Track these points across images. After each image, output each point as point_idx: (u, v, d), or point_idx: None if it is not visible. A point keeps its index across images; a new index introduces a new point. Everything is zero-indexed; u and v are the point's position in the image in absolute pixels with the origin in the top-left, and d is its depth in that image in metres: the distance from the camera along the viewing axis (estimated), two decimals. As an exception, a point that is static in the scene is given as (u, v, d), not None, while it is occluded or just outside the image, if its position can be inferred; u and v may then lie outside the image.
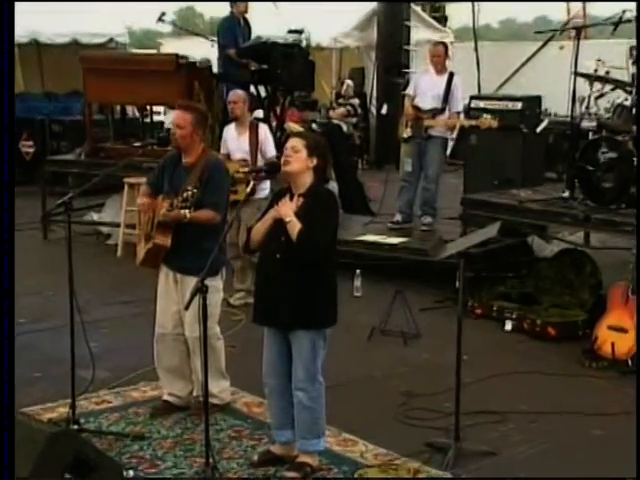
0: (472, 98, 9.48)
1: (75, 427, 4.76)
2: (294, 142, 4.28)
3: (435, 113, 8.57)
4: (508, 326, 6.84)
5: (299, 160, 4.23)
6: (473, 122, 8.86)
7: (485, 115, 9.08)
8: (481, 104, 9.23)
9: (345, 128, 14.13)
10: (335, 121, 14.23)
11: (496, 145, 8.93)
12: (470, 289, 7.12)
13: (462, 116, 8.93)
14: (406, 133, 8.75)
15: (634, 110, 6.97)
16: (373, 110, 15.10)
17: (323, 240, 4.17)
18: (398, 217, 8.92)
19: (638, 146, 6.74)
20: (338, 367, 5.73)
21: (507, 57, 15.28)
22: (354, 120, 14.73)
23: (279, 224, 4.22)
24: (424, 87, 8.68)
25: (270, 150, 7.13)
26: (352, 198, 10.15)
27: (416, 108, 8.66)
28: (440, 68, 8.68)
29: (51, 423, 4.92)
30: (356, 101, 14.91)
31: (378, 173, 10.65)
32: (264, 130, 7.26)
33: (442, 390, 5.28)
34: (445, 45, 8.97)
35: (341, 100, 15.03)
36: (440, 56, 8.70)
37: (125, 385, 5.60)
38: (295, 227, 4.14)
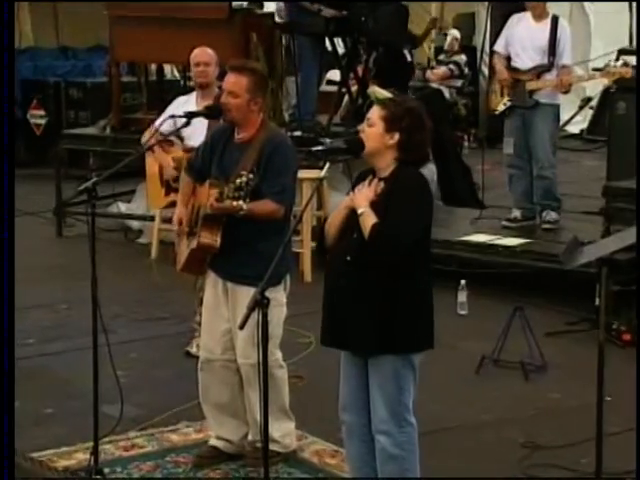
0: (621, 53, 9.34)
1: (98, 478, 4.84)
2: (371, 112, 4.29)
3: (540, 72, 8.47)
4: (667, 357, 6.73)
5: (371, 137, 4.24)
6: (597, 75, 8.70)
7: (613, 63, 8.88)
8: (635, 61, 9.07)
9: (447, 94, 14.05)
10: (434, 85, 14.17)
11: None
12: (615, 307, 7.02)
13: (575, 71, 8.79)
14: (502, 104, 8.65)
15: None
16: (485, 70, 14.97)
17: (403, 237, 4.15)
18: (516, 213, 8.85)
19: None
20: (437, 408, 5.71)
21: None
22: (459, 83, 14.66)
23: (353, 216, 4.24)
24: (521, 40, 8.55)
25: None
26: (455, 186, 10.10)
27: (512, 69, 8.57)
28: (540, 12, 8.55)
29: (67, 473, 5.02)
30: (462, 58, 14.82)
31: (490, 153, 10.54)
32: None
33: (577, 441, 5.23)
34: None
35: (443, 57, 14.97)
36: None
37: (161, 425, 5.67)
38: (369, 220, 4.15)
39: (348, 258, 4.23)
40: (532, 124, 8.50)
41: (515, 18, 8.83)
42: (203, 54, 6.97)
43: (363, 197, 4.20)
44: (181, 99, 7.13)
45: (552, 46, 8.41)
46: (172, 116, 5.85)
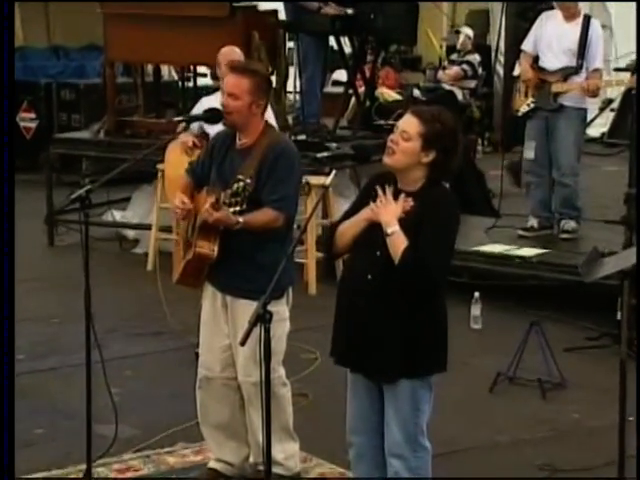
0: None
1: (90, 502, 4.85)
2: (408, 123, 4.20)
3: (567, 74, 8.46)
4: (693, 375, 6.71)
5: (406, 152, 4.17)
6: (625, 80, 8.63)
7: None
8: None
9: (460, 95, 14.08)
10: (446, 86, 14.21)
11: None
12: (637, 322, 7.01)
13: (604, 76, 8.76)
14: (526, 105, 8.63)
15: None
16: (500, 70, 15.01)
17: (438, 265, 4.10)
18: (533, 222, 8.83)
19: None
20: (450, 428, 5.70)
21: None
22: (473, 84, 14.68)
23: (374, 230, 4.18)
24: (550, 39, 8.52)
25: None
26: (469, 193, 10.09)
27: (539, 69, 8.56)
28: (572, 12, 8.53)
29: (58, 496, 5.03)
30: (476, 58, 14.85)
31: (505, 158, 10.51)
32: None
33: (597, 464, 5.22)
34: None
35: (455, 56, 15.00)
36: None
37: (158, 447, 5.66)
38: (399, 243, 4.09)
39: (369, 277, 4.19)
40: (556, 128, 8.47)
41: (544, 16, 8.82)
42: (234, 53, 6.96)
43: (391, 214, 4.13)
44: (204, 101, 7.10)
45: (582, 48, 8.37)
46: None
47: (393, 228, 4.11)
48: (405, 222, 4.12)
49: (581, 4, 8.63)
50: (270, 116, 6.98)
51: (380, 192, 4.18)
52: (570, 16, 8.49)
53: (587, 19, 8.49)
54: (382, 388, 4.31)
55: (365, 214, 4.23)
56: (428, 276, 4.10)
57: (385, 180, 4.26)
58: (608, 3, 15.67)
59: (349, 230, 4.28)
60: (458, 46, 14.89)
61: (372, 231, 4.19)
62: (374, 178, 4.36)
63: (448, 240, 4.19)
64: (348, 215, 4.34)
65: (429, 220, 4.13)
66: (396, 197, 4.19)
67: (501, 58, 14.84)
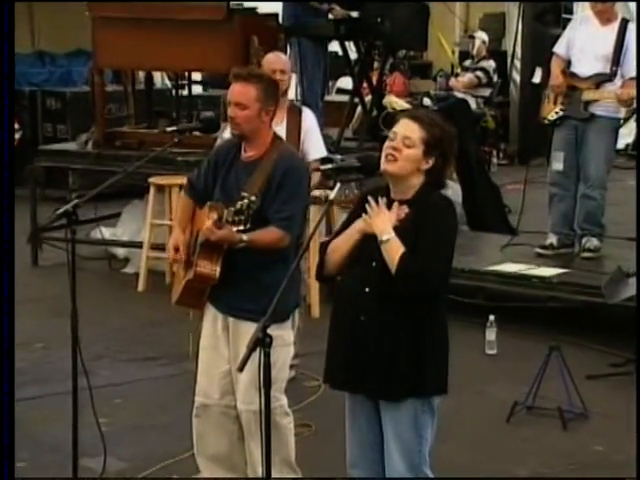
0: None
1: (77, 541, 4.84)
2: (408, 129, 4.25)
3: (600, 81, 8.45)
4: None
5: (409, 159, 4.22)
6: None
7: None
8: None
9: (474, 104, 14.09)
10: (459, 94, 14.22)
11: None
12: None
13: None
14: (554, 113, 8.63)
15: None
16: (516, 77, 15.06)
17: (435, 272, 4.15)
18: (552, 239, 8.82)
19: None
20: (464, 461, 5.69)
21: None
22: (487, 92, 14.72)
23: (369, 242, 4.22)
24: (583, 44, 8.51)
25: (315, 148, 6.86)
26: (483, 208, 10.11)
27: (570, 75, 8.56)
28: (608, 16, 8.52)
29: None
30: (491, 64, 14.90)
31: (521, 170, 10.53)
32: (310, 118, 6.98)
33: (622, 499, 5.22)
34: None
35: (469, 63, 15.04)
36: None
37: (150, 481, 5.68)
38: (395, 250, 4.14)
39: (367, 290, 4.22)
40: (585, 138, 8.43)
41: (579, 19, 8.82)
42: (279, 61, 6.97)
43: (385, 222, 4.19)
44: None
45: (617, 54, 8.33)
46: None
47: (388, 235, 4.16)
48: (401, 230, 4.18)
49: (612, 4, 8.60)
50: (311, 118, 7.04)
51: (373, 203, 4.22)
52: (606, 20, 8.49)
53: (624, 23, 8.41)
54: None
55: (357, 226, 4.28)
56: (426, 284, 4.14)
57: (377, 194, 4.31)
58: (631, 4, 15.68)
59: (342, 246, 4.32)
60: (472, 52, 14.93)
61: (366, 243, 4.23)
62: (365, 194, 4.40)
63: (447, 247, 4.23)
64: (338, 234, 4.39)
65: (427, 226, 4.18)
66: (389, 207, 4.24)
67: (517, 64, 14.89)
